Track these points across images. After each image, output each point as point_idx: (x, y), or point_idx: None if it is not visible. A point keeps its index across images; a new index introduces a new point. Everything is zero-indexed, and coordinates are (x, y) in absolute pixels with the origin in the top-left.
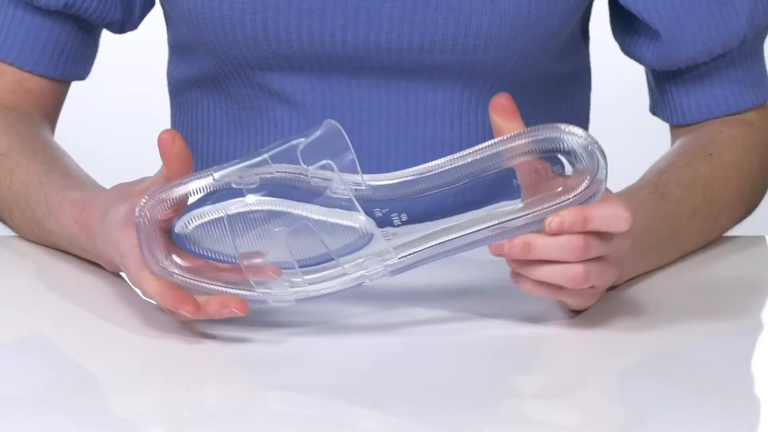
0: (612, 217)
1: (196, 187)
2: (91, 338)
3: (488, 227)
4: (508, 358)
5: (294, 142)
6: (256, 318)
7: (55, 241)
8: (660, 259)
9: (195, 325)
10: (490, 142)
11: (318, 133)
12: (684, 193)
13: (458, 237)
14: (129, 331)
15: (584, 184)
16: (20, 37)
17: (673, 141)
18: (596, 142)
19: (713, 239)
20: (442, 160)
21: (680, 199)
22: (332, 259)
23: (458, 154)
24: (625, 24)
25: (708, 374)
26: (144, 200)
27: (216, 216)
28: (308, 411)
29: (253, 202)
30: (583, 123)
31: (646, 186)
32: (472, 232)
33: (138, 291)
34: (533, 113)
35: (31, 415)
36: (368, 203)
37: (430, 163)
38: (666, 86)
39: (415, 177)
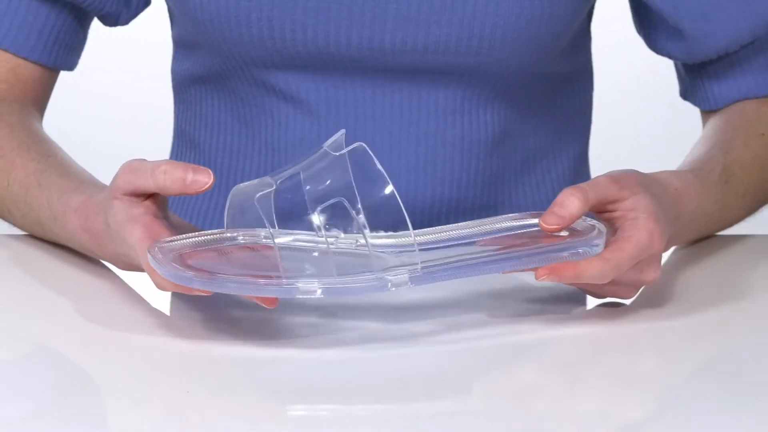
0: (595, 279)
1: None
2: (91, 340)
3: (503, 252)
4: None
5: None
6: (258, 327)
7: (61, 242)
8: (705, 234)
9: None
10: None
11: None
12: (743, 175)
13: (476, 255)
14: (129, 333)
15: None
16: (16, 23)
17: (704, 120)
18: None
19: (748, 216)
20: (480, 250)
21: (740, 182)
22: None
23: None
24: (650, 20)
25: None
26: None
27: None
28: (310, 414)
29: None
30: (586, 121)
31: (716, 166)
32: (488, 253)
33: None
34: (535, 112)
35: (29, 415)
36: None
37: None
38: (696, 75)
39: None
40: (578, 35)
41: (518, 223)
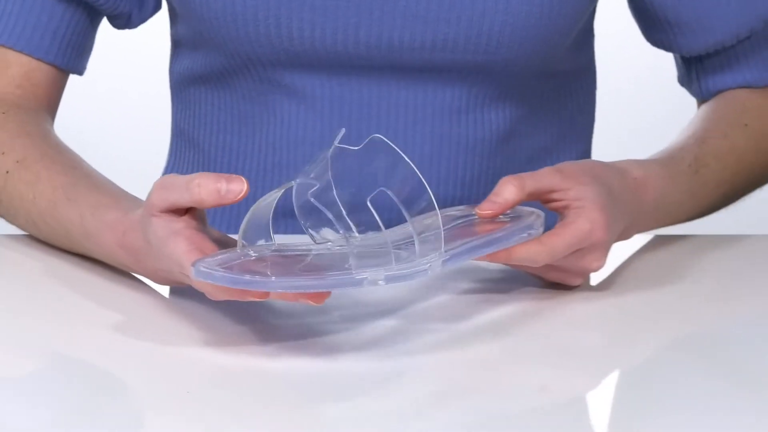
0: (528, 261)
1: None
2: (95, 342)
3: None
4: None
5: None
6: (263, 327)
7: (93, 256)
8: (673, 222)
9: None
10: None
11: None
12: (717, 165)
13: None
14: (132, 336)
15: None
16: (31, 24)
17: (699, 107)
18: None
19: (728, 205)
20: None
21: (712, 172)
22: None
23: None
24: (647, 13)
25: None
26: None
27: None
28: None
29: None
30: (589, 120)
31: (687, 156)
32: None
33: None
34: (540, 111)
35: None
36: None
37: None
38: (692, 66)
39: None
40: (583, 32)
41: (461, 214)
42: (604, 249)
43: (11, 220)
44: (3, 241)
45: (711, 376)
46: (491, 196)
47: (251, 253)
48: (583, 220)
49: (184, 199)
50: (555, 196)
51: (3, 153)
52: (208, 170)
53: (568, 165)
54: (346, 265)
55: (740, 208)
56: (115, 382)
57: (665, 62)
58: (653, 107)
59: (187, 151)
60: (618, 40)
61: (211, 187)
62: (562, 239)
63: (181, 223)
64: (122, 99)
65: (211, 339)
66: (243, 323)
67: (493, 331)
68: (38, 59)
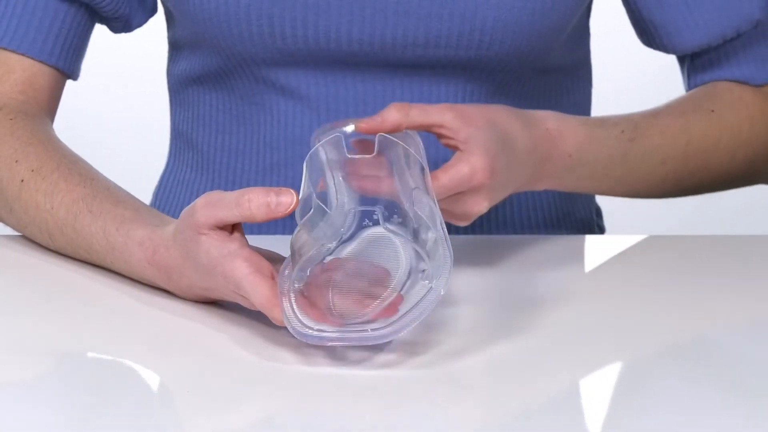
0: None
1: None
2: (95, 342)
3: None
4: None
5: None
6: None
7: (114, 269)
8: (606, 189)
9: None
10: None
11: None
12: (662, 141)
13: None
14: (132, 336)
15: None
16: (33, 26)
17: None
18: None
19: (688, 192)
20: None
21: (655, 146)
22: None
23: None
24: (638, 13)
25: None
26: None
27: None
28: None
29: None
30: None
31: (623, 123)
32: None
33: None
34: (535, 109)
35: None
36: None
37: None
38: (685, 66)
39: None
40: (577, 29)
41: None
42: (487, 193)
43: (21, 229)
44: (3, 241)
45: (708, 377)
46: (374, 115)
47: (295, 282)
48: (464, 164)
49: (233, 215)
50: (445, 132)
51: (17, 161)
52: (208, 171)
53: (465, 106)
54: (420, 275)
55: (740, 208)
56: (115, 383)
57: (661, 62)
58: (649, 106)
59: (186, 153)
60: (614, 40)
61: (261, 201)
62: (438, 182)
63: (235, 243)
64: (122, 102)
65: (211, 338)
66: (241, 323)
67: (495, 334)
68: (41, 62)
